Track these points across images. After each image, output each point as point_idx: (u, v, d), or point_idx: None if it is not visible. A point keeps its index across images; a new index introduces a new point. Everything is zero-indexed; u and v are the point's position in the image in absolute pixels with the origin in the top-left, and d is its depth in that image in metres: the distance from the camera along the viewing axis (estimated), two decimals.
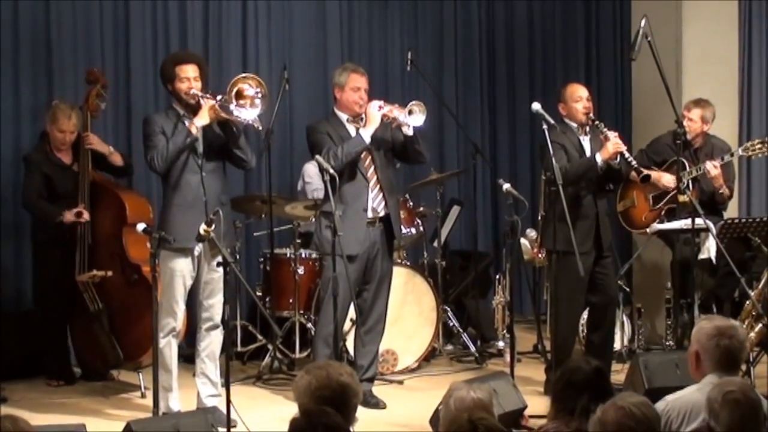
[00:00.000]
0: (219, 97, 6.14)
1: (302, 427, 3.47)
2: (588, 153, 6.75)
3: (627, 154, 6.66)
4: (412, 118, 6.41)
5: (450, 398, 3.91)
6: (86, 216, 6.96)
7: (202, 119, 6.12)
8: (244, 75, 6.32)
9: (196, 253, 6.18)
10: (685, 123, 7.67)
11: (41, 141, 7.20)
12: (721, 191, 7.65)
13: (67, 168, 7.13)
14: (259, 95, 6.10)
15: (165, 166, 6.14)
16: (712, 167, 7.49)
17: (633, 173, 6.86)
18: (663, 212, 7.75)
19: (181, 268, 6.16)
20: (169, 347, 6.21)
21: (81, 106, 7.11)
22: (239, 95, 6.09)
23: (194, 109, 6.19)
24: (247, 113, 6.09)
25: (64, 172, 7.11)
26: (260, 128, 6.29)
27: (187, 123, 6.16)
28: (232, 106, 6.07)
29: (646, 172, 6.78)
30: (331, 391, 3.77)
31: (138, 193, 7.46)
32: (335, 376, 3.81)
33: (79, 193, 7.01)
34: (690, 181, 7.55)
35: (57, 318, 7.16)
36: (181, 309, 6.25)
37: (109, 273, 6.95)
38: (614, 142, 6.59)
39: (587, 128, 6.81)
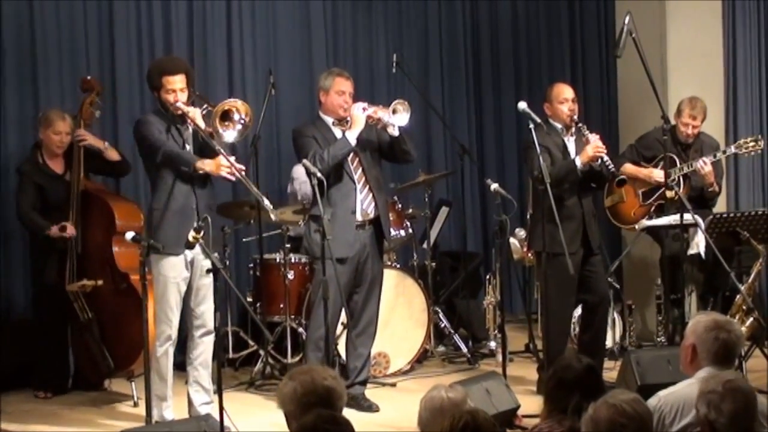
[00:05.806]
0: (204, 108, 6.12)
1: None
2: (572, 154, 6.75)
3: (606, 158, 6.64)
4: (397, 117, 6.40)
5: (424, 402, 3.87)
6: (70, 231, 6.91)
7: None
8: (235, 100, 6.24)
9: (188, 257, 6.11)
10: (689, 130, 7.68)
11: (33, 152, 7.17)
12: (711, 188, 7.66)
13: (59, 177, 7.10)
14: (242, 122, 6.08)
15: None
16: (704, 164, 7.50)
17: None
18: (653, 208, 7.76)
19: (175, 275, 6.09)
20: (166, 356, 6.14)
21: (75, 115, 7.07)
22: (226, 116, 6.06)
23: (181, 118, 6.15)
24: (228, 134, 6.07)
25: (57, 182, 7.09)
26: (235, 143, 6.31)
27: (181, 130, 6.14)
28: (219, 127, 6.05)
29: (621, 176, 6.80)
30: (318, 397, 3.68)
31: (128, 199, 7.41)
32: (320, 381, 3.73)
33: (70, 205, 6.97)
34: (680, 178, 7.57)
35: (53, 326, 7.12)
36: (176, 316, 6.17)
37: (100, 282, 6.91)
38: (594, 146, 6.59)
39: (572, 129, 6.81)
